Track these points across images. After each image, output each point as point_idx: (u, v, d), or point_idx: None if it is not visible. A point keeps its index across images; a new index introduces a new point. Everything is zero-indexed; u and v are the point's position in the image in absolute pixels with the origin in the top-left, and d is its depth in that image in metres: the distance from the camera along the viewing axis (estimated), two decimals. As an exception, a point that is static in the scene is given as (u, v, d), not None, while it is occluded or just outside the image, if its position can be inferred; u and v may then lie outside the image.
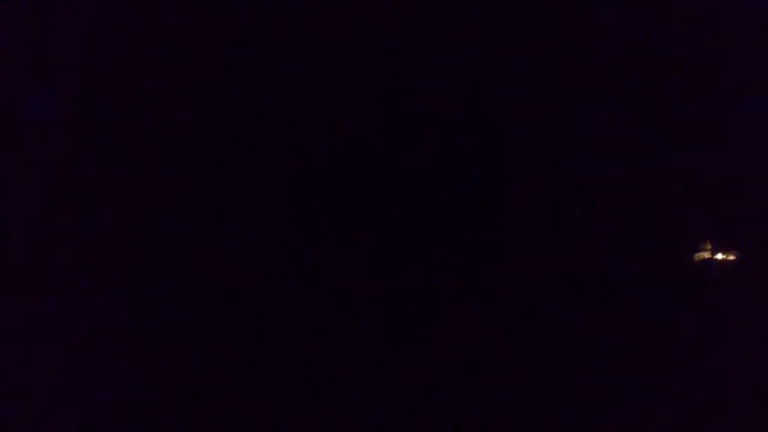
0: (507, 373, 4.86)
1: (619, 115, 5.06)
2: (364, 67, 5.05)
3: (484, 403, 4.84)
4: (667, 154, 5.04)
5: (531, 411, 4.85)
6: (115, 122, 5.03)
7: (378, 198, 5.00)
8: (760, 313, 4.90)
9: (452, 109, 5.04)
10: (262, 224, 5.00)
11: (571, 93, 5.08)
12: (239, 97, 5.04)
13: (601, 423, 4.83)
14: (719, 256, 5.01)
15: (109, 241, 4.96)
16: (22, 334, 4.89)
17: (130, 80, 5.06)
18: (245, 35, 5.08)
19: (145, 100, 5.04)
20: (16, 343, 4.88)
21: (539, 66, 5.06)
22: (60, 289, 4.92)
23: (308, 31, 5.07)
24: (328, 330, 4.91)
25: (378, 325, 4.91)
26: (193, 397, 4.85)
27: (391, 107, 5.04)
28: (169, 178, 5.01)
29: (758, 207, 5.00)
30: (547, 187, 5.04)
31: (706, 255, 5.03)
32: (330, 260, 4.96)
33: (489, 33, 5.07)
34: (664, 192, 5.02)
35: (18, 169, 4.99)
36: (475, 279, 4.95)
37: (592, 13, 5.09)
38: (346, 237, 4.97)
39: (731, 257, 5.01)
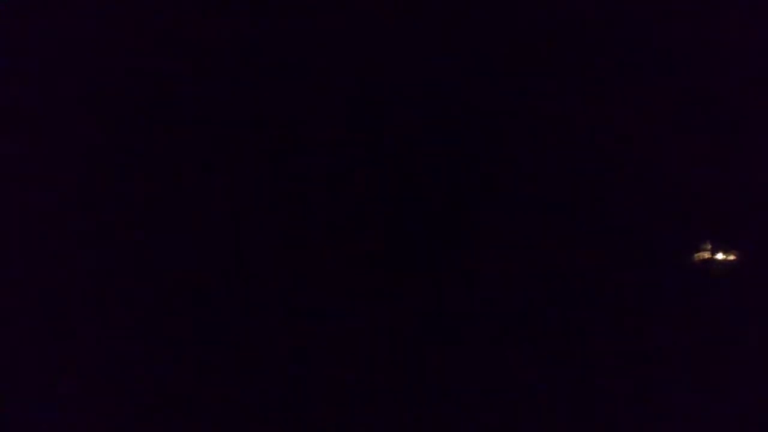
0: (507, 373, 4.87)
1: (619, 114, 5.06)
2: (362, 69, 5.06)
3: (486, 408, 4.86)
4: (667, 154, 5.04)
5: (532, 411, 4.85)
6: (115, 122, 5.04)
7: (379, 203, 5.01)
8: (760, 313, 4.90)
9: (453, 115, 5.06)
10: (261, 226, 5.01)
11: (571, 93, 5.08)
12: (238, 101, 5.05)
13: (601, 422, 4.83)
14: (719, 256, 5.01)
15: (107, 245, 4.97)
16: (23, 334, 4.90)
17: (131, 79, 5.07)
18: (245, 35, 5.09)
19: (144, 98, 5.05)
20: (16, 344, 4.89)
21: (539, 66, 5.06)
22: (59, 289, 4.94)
23: (307, 32, 5.08)
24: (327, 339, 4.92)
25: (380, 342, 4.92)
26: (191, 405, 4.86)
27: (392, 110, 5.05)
28: (168, 180, 5.02)
29: (758, 207, 5.00)
30: (547, 188, 5.04)
31: (706, 255, 5.03)
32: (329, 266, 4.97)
33: (488, 33, 5.08)
34: (664, 192, 5.02)
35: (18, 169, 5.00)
36: (472, 278, 4.96)
37: (591, 13, 5.09)
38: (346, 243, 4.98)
39: (731, 257, 5.01)
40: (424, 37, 5.08)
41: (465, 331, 4.92)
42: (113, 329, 4.91)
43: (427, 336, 4.93)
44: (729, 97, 5.04)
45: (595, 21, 5.09)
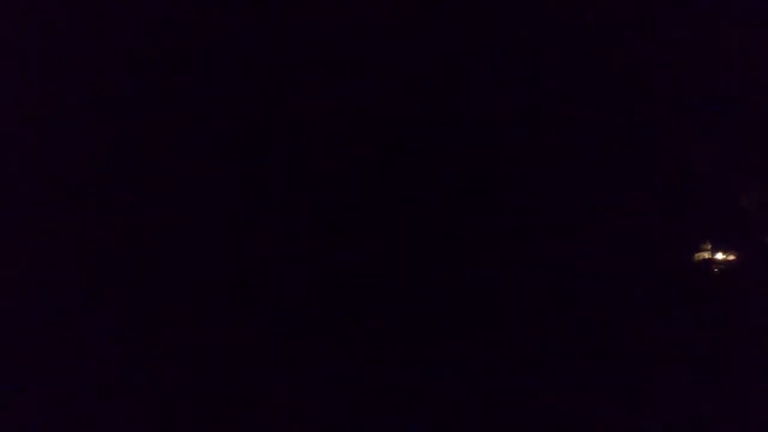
0: (507, 370, 4.88)
1: (619, 116, 5.06)
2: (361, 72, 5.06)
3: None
4: (668, 154, 5.04)
5: (532, 411, 4.85)
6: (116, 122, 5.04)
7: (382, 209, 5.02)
8: (760, 313, 4.90)
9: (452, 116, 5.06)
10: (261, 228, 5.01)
11: (571, 94, 5.08)
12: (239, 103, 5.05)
13: (601, 422, 4.83)
14: (719, 256, 5.02)
15: (107, 246, 4.97)
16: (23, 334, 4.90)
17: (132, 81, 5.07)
18: (245, 37, 5.09)
19: (147, 102, 5.05)
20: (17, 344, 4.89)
21: (540, 66, 5.07)
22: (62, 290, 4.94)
23: (306, 33, 5.08)
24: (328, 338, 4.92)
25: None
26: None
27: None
28: (169, 181, 5.02)
29: (758, 207, 5.00)
30: (547, 188, 5.04)
31: (706, 255, 5.03)
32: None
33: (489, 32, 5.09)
34: (664, 192, 5.03)
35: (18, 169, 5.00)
36: (474, 277, 4.96)
37: (592, 14, 5.10)
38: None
39: (731, 257, 5.01)
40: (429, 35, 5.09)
41: (465, 330, 4.93)
42: (114, 328, 4.92)
43: (427, 335, 4.94)
44: (729, 97, 5.05)
45: (596, 21, 5.09)
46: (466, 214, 5.02)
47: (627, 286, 4.94)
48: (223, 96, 5.06)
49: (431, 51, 5.07)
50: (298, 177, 5.04)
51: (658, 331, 4.90)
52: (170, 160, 5.00)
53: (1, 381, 4.83)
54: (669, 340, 4.89)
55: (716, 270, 5.02)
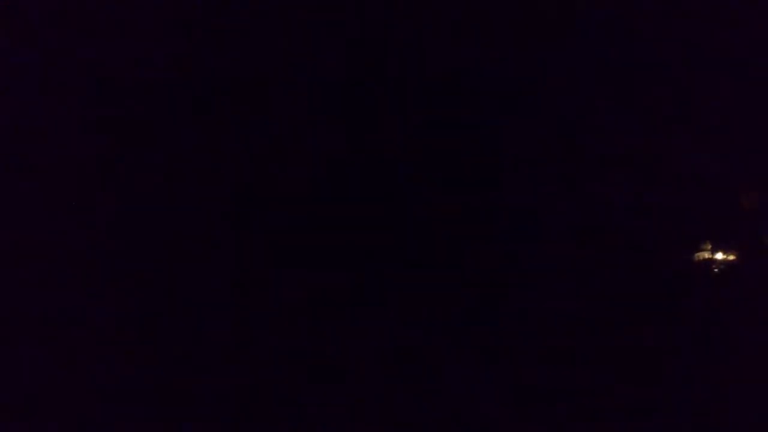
0: (506, 372, 4.87)
1: (619, 116, 5.06)
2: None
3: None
4: (668, 154, 5.04)
5: (531, 410, 4.85)
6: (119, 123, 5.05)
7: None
8: (760, 313, 4.89)
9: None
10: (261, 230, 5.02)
11: (570, 95, 5.08)
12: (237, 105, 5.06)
13: (601, 422, 4.83)
14: (719, 256, 5.01)
15: (108, 245, 4.98)
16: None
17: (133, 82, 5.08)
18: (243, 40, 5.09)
19: (145, 102, 5.06)
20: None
21: (539, 65, 5.06)
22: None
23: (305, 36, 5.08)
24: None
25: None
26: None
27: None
28: (170, 181, 5.02)
29: (758, 207, 5.00)
30: (547, 188, 5.04)
31: (706, 255, 5.02)
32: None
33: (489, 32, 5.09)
34: (664, 192, 5.02)
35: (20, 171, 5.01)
36: (476, 274, 4.96)
37: (593, 14, 5.09)
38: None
39: (731, 257, 5.00)
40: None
41: (465, 329, 4.93)
42: (113, 327, 4.93)
43: (427, 335, 4.94)
44: (729, 97, 5.04)
45: (597, 20, 5.09)
46: (463, 214, 5.02)
47: (626, 285, 4.94)
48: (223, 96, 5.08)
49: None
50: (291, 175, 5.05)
51: (657, 331, 4.90)
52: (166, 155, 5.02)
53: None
54: (669, 340, 4.89)
55: (716, 270, 5.01)
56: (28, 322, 4.90)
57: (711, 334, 4.90)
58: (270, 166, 5.05)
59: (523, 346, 4.89)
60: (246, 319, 4.93)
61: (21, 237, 4.96)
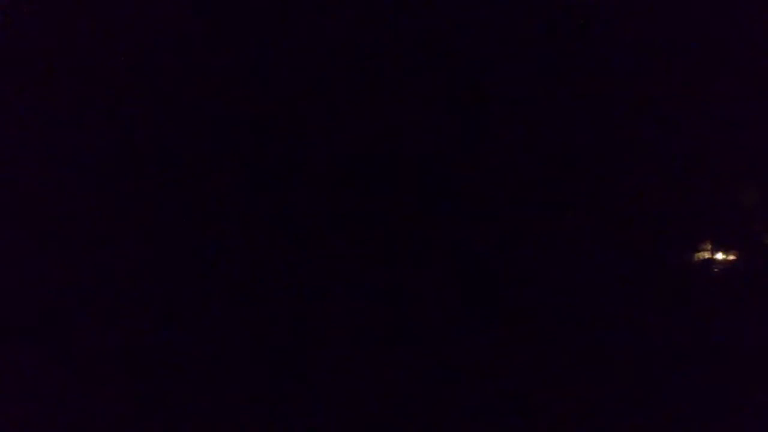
0: (506, 370, 4.87)
1: (618, 116, 5.06)
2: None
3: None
4: (668, 154, 5.05)
5: (529, 411, 4.85)
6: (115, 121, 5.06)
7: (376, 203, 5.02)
8: (760, 313, 4.90)
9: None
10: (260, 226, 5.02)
11: (570, 95, 5.08)
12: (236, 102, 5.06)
13: (600, 422, 4.83)
14: (719, 256, 5.01)
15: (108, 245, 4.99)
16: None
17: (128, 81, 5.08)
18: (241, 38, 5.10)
19: (143, 101, 5.06)
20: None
21: (539, 66, 5.07)
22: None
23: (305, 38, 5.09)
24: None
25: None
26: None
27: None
28: (170, 179, 5.03)
29: (758, 207, 5.00)
30: (546, 188, 5.04)
31: (706, 255, 5.03)
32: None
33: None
34: (664, 192, 5.02)
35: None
36: (474, 278, 4.96)
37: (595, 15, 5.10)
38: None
39: (731, 257, 5.01)
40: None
41: (465, 328, 4.93)
42: (113, 327, 4.93)
43: (427, 335, 4.94)
44: (728, 97, 5.05)
45: (598, 20, 5.10)
46: (468, 212, 5.02)
47: (626, 285, 4.94)
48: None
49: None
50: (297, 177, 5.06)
51: (657, 331, 4.90)
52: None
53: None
54: (668, 340, 4.89)
55: (716, 270, 5.01)
56: (28, 321, 4.92)
57: (711, 334, 4.90)
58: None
59: (523, 346, 4.89)
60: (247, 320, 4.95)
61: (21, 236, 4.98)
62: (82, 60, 5.05)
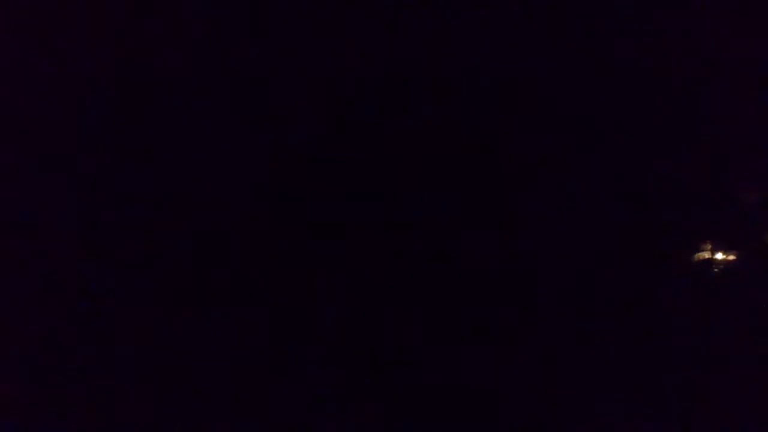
0: (504, 371, 4.87)
1: (618, 115, 5.07)
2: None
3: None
4: (667, 154, 5.05)
5: (528, 412, 4.85)
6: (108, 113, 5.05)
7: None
8: (760, 313, 4.89)
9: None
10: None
11: (570, 95, 5.08)
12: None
13: (600, 422, 4.83)
14: (719, 256, 5.01)
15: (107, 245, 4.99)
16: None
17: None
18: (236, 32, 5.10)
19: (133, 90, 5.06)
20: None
21: (539, 63, 5.07)
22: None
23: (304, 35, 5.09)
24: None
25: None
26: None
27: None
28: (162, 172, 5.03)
29: (758, 207, 5.00)
30: (546, 188, 5.04)
31: (706, 255, 5.02)
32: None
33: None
34: (664, 192, 5.02)
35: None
36: (471, 278, 4.96)
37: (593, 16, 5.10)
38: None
39: (731, 257, 5.00)
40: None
41: (465, 329, 4.93)
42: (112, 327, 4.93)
43: (426, 335, 4.94)
44: (728, 97, 5.05)
45: (598, 18, 5.10)
46: (472, 214, 5.02)
47: (626, 285, 4.94)
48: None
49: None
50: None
51: (657, 331, 4.90)
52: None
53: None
54: (668, 340, 4.89)
55: (716, 270, 5.01)
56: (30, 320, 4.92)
57: (711, 334, 4.90)
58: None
59: (522, 346, 4.89)
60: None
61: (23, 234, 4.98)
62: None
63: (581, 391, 4.84)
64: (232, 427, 4.82)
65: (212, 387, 4.85)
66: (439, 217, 4.99)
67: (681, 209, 5.01)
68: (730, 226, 5.02)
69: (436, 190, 5.00)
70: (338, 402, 4.82)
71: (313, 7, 5.06)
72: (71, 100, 5.03)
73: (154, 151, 5.02)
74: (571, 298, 4.94)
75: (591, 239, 4.99)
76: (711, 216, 5.03)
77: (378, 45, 5.06)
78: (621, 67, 5.07)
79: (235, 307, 4.92)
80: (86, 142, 5.02)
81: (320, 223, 4.97)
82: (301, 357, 4.89)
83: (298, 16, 5.06)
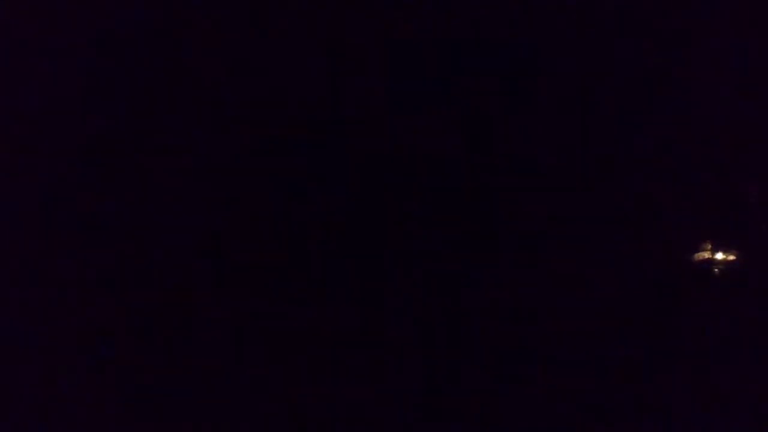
0: (503, 372, 4.87)
1: (617, 115, 5.06)
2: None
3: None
4: (667, 154, 5.04)
5: (528, 413, 4.85)
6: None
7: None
8: (760, 313, 4.89)
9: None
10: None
11: (569, 95, 5.08)
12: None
13: (600, 423, 4.83)
14: (719, 256, 5.01)
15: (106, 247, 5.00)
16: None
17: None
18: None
19: (134, 103, 5.07)
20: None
21: (539, 63, 5.07)
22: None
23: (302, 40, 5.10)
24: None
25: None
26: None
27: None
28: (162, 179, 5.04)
29: (758, 207, 5.00)
30: (546, 188, 5.04)
31: (706, 255, 5.02)
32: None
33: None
34: (664, 192, 5.02)
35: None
36: (471, 277, 4.96)
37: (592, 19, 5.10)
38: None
39: (731, 257, 5.00)
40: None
41: (465, 331, 4.93)
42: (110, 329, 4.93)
43: (426, 335, 4.94)
44: (727, 97, 5.05)
45: (600, 22, 5.10)
46: (463, 217, 5.02)
47: (626, 286, 4.93)
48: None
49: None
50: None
51: (657, 331, 4.89)
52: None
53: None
54: (668, 341, 4.88)
55: (716, 270, 5.00)
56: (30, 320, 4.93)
57: (711, 334, 4.90)
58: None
59: (521, 346, 4.89)
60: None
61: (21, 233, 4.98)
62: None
63: (577, 393, 4.84)
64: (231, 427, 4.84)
65: (212, 387, 4.86)
66: (438, 220, 5.00)
67: (681, 209, 5.01)
68: (729, 226, 5.01)
69: (436, 190, 5.01)
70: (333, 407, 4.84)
71: (313, 7, 5.07)
72: (63, 100, 5.05)
73: (154, 151, 5.04)
74: (571, 298, 4.93)
75: (590, 239, 4.99)
76: (711, 216, 5.02)
77: (378, 46, 5.07)
78: (622, 66, 5.07)
79: (230, 308, 4.92)
80: (72, 143, 5.03)
81: (318, 222, 4.98)
82: (302, 359, 4.90)
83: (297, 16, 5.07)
